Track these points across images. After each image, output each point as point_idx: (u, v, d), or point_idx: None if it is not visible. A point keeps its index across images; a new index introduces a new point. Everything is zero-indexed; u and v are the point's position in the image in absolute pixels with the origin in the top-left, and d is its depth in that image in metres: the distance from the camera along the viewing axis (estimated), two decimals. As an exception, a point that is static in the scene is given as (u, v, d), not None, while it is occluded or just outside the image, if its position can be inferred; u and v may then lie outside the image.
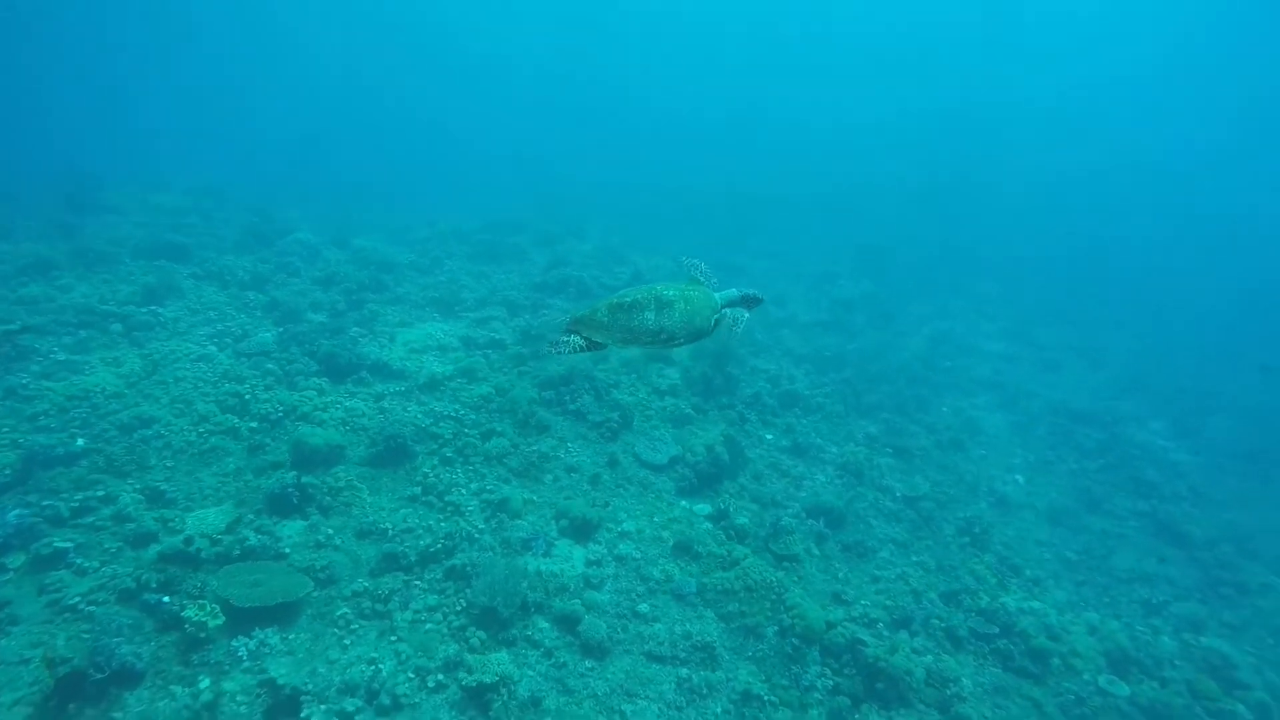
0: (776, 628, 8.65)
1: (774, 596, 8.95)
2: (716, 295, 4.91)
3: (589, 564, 9.05)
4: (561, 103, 74.47)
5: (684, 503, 10.69)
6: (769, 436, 12.94)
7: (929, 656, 8.74)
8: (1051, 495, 14.31)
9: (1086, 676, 9.38)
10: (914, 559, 10.79)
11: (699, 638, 8.33)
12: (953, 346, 20.96)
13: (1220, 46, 66.74)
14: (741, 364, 15.30)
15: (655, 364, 14.24)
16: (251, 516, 8.70)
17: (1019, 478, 14.74)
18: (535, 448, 11.00)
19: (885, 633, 9.13)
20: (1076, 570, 12.06)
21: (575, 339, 4.52)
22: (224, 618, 7.03)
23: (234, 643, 6.91)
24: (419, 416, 11.19)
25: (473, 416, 11.59)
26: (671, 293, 4.56)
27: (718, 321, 4.82)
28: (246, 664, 6.76)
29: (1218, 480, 16.28)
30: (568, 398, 12.32)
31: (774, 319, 19.88)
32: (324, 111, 58.40)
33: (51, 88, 52.28)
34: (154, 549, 7.74)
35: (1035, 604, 10.44)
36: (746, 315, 5.04)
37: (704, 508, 10.61)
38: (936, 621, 9.48)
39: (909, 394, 16.39)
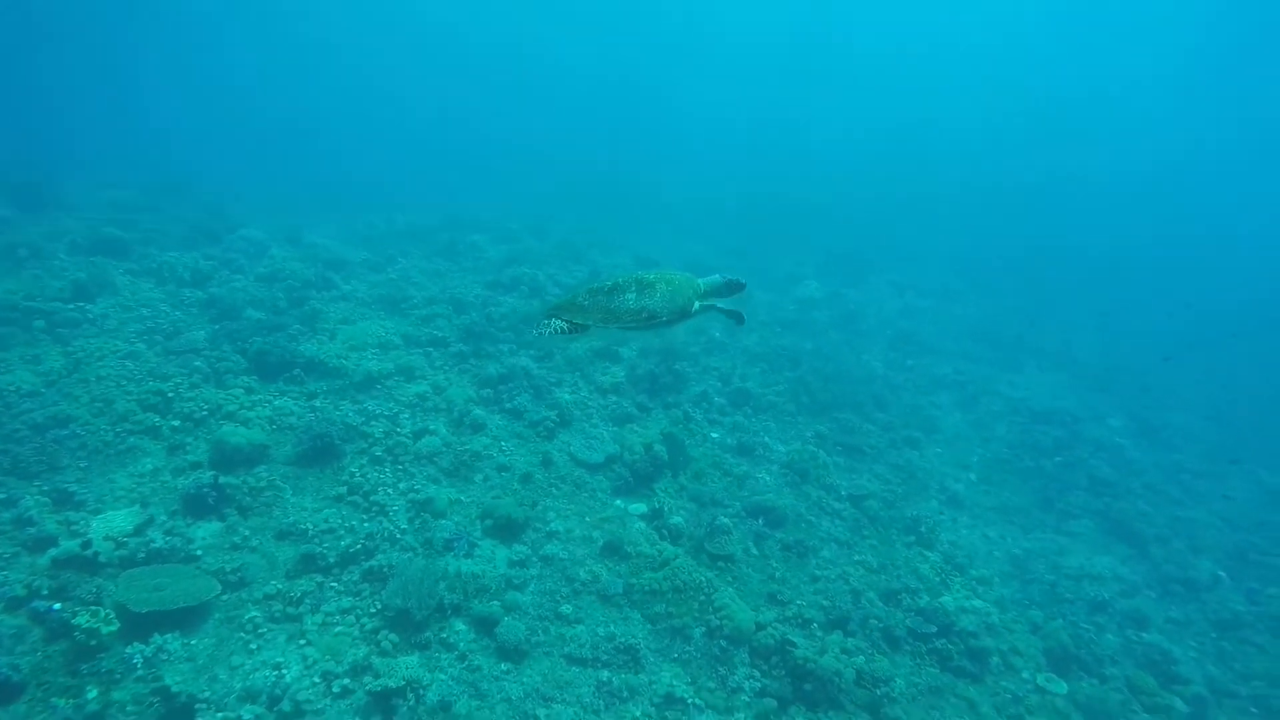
0: (704, 629, 8.51)
1: (703, 597, 8.81)
2: (700, 280, 4.97)
3: (512, 564, 8.88)
4: (537, 100, 74.19)
5: (619, 502, 10.54)
6: (714, 435, 12.81)
7: (860, 658, 8.61)
8: (1005, 493, 14.29)
9: (1025, 675, 9.33)
10: (856, 558, 10.69)
11: (623, 639, 8.17)
12: (915, 346, 20.93)
13: (1193, 58, 67.59)
14: (694, 362, 15.18)
15: (600, 361, 14.10)
16: (164, 518, 8.45)
17: (973, 475, 14.72)
18: (468, 447, 10.81)
19: (819, 633, 9.00)
20: (1024, 568, 12.01)
21: (557, 322, 4.65)
22: (119, 624, 6.78)
23: (129, 650, 6.65)
24: (351, 415, 10.97)
25: (407, 415, 11.40)
26: (652, 275, 4.70)
27: (703, 307, 4.91)
28: (140, 672, 6.51)
29: (1173, 477, 16.35)
30: (505, 396, 12.15)
31: (734, 318, 19.77)
32: (307, 105, 57.77)
33: (26, 78, 51.40)
34: (50, 554, 7.48)
35: (978, 603, 10.37)
36: (741, 313, 5.15)
37: (639, 507, 10.46)
38: (875, 621, 9.37)
39: (865, 393, 16.32)
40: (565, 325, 4.64)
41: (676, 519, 10.14)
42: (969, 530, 12.68)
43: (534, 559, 9.10)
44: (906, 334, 21.67)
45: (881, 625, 9.31)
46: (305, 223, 23.96)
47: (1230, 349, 26.79)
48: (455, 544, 8.87)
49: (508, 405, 12.02)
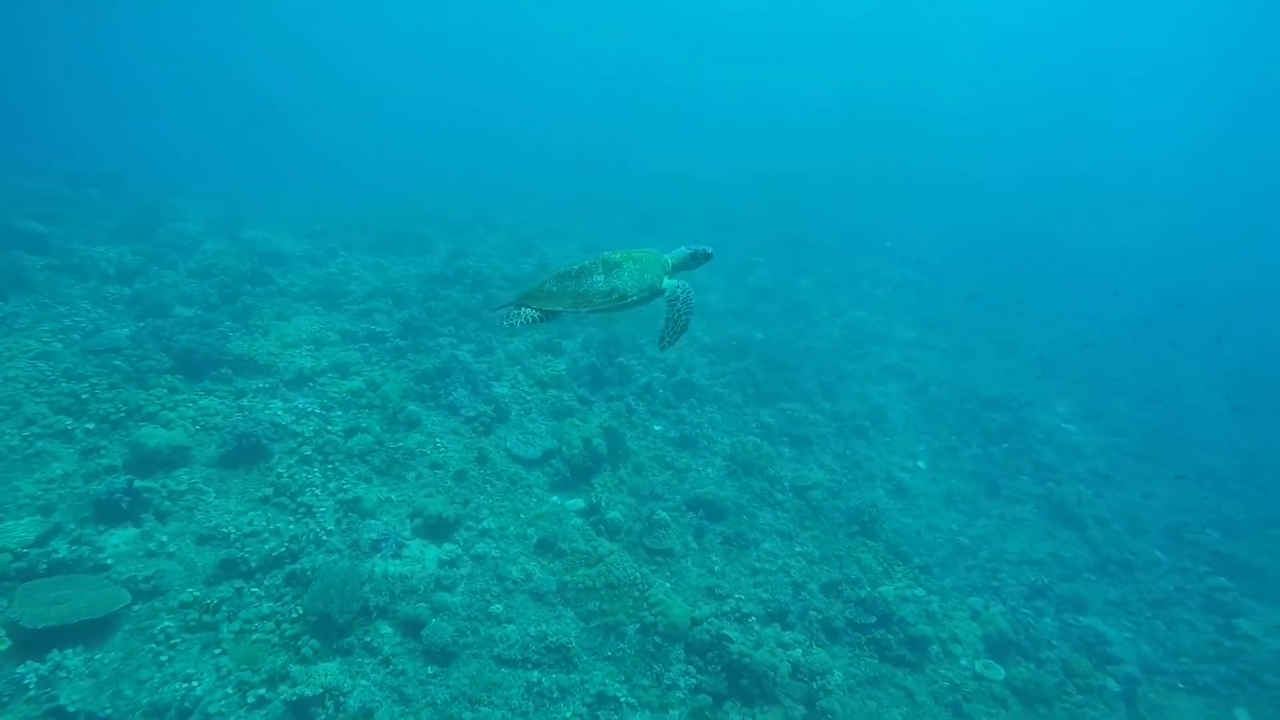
0: (638, 625, 8.41)
1: (637, 593, 8.72)
2: (666, 256, 4.93)
3: (442, 564, 8.69)
4: (504, 87, 73.27)
5: (555, 498, 10.39)
6: (657, 428, 12.72)
7: (798, 650, 8.58)
8: (952, 481, 14.42)
9: (964, 662, 9.40)
10: (798, 550, 10.68)
11: (555, 639, 8.04)
12: (866, 335, 21.06)
13: (1162, 53, 69.28)
14: (640, 354, 15.05)
15: (542, 355, 13.93)
16: (73, 526, 8.09)
17: (921, 464, 14.83)
18: (401, 444, 10.58)
19: (757, 627, 8.96)
20: (968, 555, 12.12)
21: (527, 311, 4.58)
22: (10, 642, 6.46)
23: (20, 669, 6.33)
24: (280, 413, 10.66)
25: (339, 413, 11.13)
26: (618, 255, 4.63)
27: (672, 286, 4.83)
28: (33, 692, 6.20)
29: (1116, 461, 16.66)
30: (442, 391, 11.91)
31: (686, 308, 19.68)
32: (265, 92, 56.21)
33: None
34: (-62, 569, 7.12)
35: (919, 591, 10.44)
36: (692, 298, 4.93)
37: (576, 503, 10.32)
38: (814, 613, 9.37)
39: (815, 382, 16.35)
40: (536, 314, 4.59)
41: (613, 514, 10.02)
42: (914, 519, 12.76)
43: (465, 558, 8.93)
44: (859, 323, 21.78)
45: (821, 617, 9.31)
46: (250, 215, 23.48)
47: (1178, 335, 27.43)
48: (383, 544, 8.66)
49: (444, 401, 11.79)
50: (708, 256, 5.11)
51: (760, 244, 29.84)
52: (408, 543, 8.87)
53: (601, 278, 4.54)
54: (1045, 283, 32.22)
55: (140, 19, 60.27)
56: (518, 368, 13.28)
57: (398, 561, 8.54)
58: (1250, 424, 20.05)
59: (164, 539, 8.22)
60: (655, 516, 10.05)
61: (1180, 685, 10.10)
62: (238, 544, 8.33)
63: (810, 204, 37.84)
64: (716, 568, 9.87)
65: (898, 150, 54.73)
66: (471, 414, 11.53)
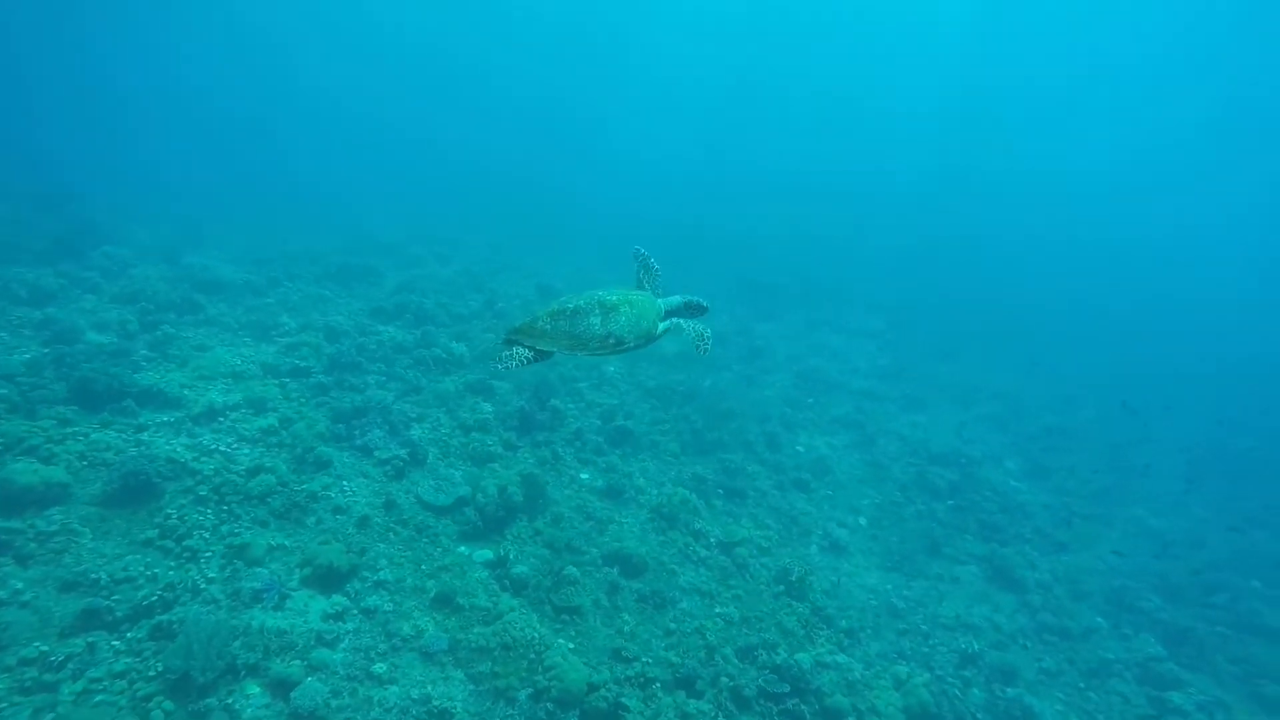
0: (531, 690, 7.96)
1: (533, 655, 8.28)
2: (660, 301, 4.93)
3: (327, 618, 8.20)
4: (468, 122, 73.77)
5: (463, 549, 9.96)
6: (584, 476, 12.35)
7: (699, 721, 8.17)
8: (893, 538, 14.14)
9: (879, 737, 9.00)
10: (718, 610, 10.29)
11: (438, 703, 7.57)
12: (819, 383, 20.91)
13: (1120, 84, 71.22)
14: (578, 398, 14.75)
15: (470, 397, 13.56)
16: (-85, 571, 7.55)
17: (863, 520, 14.55)
18: (306, 486, 10.12)
19: (660, 694, 8.53)
20: (901, 618, 11.79)
21: (520, 350, 4.45)
22: None
23: None
24: (181, 450, 10.17)
25: (246, 450, 10.65)
26: (614, 297, 4.55)
27: (665, 329, 4.86)
28: None
29: (1063, 521, 16.48)
30: (358, 432, 11.49)
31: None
32: (229, 114, 56.06)
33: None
34: None
35: (842, 658, 10.07)
36: (709, 333, 5.01)
37: (485, 554, 9.90)
38: (726, 680, 8.97)
39: (758, 432, 16.09)
40: (530, 353, 4.47)
41: (521, 568, 9.61)
42: (848, 578, 12.44)
43: (354, 611, 8.45)
44: (812, 371, 21.66)
45: (732, 684, 8.90)
46: (201, 239, 23.23)
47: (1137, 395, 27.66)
48: (265, 595, 8.17)
49: (358, 442, 11.36)
50: (703, 309, 5.14)
51: (721, 286, 29.83)
52: (293, 594, 8.38)
53: (598, 320, 4.46)
54: (1014, 338, 32.46)
55: (114, 40, 60.06)
56: (443, 409, 12.90)
57: (279, 614, 8.04)
58: (1200, 489, 20.04)
59: (20, 585, 7.67)
60: (564, 572, 9.64)
61: (1107, 764, 9.78)
62: (105, 591, 7.80)
63: (777, 247, 38.08)
64: (627, 628, 9.45)
65: (869, 201, 55.49)
66: (385, 456, 11.11)
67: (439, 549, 9.82)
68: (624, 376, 17.20)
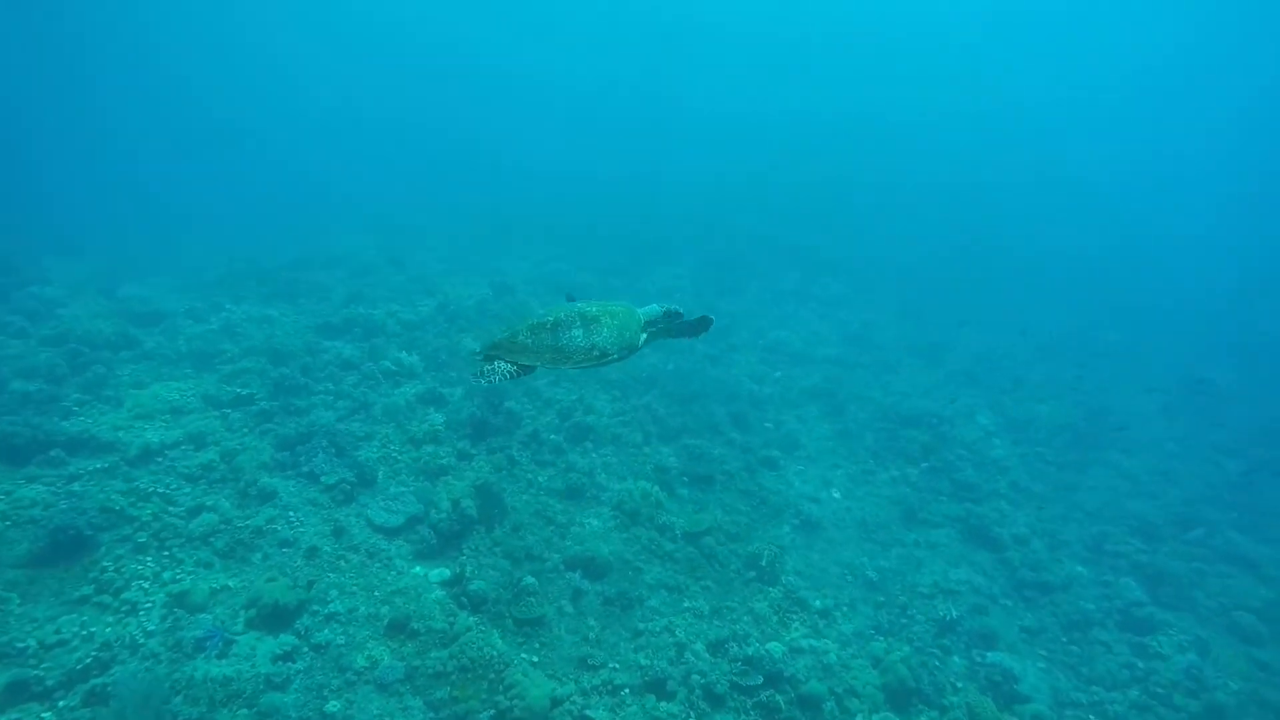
0: (493, 712, 7.73)
1: (493, 675, 8.05)
2: (639, 311, 4.88)
3: (276, 659, 7.91)
4: (420, 111, 72.56)
5: (418, 569, 9.67)
6: (542, 479, 12.06)
7: (669, 725, 7.98)
8: (867, 509, 14.02)
9: (859, 719, 8.86)
10: (686, 605, 10.09)
11: (397, 738, 7.33)
12: (786, 356, 20.73)
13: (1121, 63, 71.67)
14: (534, 397, 14.44)
15: (422, 408, 13.23)
16: None
17: (836, 493, 14.41)
18: (250, 522, 9.79)
19: (630, 700, 8.34)
20: (877, 591, 11.68)
21: (502, 365, 4.44)
22: None
23: None
24: (115, 497, 9.76)
25: (187, 490, 10.29)
26: (594, 309, 4.54)
27: (645, 339, 4.84)
28: None
29: (1039, 472, 16.48)
30: (303, 458, 11.14)
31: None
32: (171, 127, 54.65)
33: None
34: None
35: (816, 641, 9.92)
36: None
37: (441, 573, 9.62)
38: (697, 678, 8.77)
39: (724, 413, 15.88)
40: (513, 368, 4.46)
41: (478, 584, 9.35)
42: (822, 555, 12.30)
43: (304, 649, 8.16)
44: (779, 344, 21.45)
45: (704, 681, 8.71)
46: (142, 267, 22.54)
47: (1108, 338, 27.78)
48: (208, 643, 7.86)
49: (304, 468, 11.02)
50: (679, 316, 5.05)
51: (687, 265, 29.58)
52: (238, 638, 8.07)
53: (580, 332, 4.42)
54: (987, 292, 32.40)
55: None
56: (392, 424, 12.56)
57: (223, 661, 7.74)
58: (1173, 421, 20.15)
59: (-59, 663, 7.33)
60: (523, 583, 9.40)
61: (1092, 717, 9.72)
62: (35, 659, 7.46)
63: (743, 219, 37.65)
64: (593, 634, 9.23)
65: (839, 163, 55.01)
66: (332, 481, 10.78)
67: (392, 572, 9.54)
68: (582, 369, 16.86)
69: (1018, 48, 77.77)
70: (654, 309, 4.99)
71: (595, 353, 4.47)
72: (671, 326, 5.08)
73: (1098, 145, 71.26)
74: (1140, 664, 10.69)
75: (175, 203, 35.85)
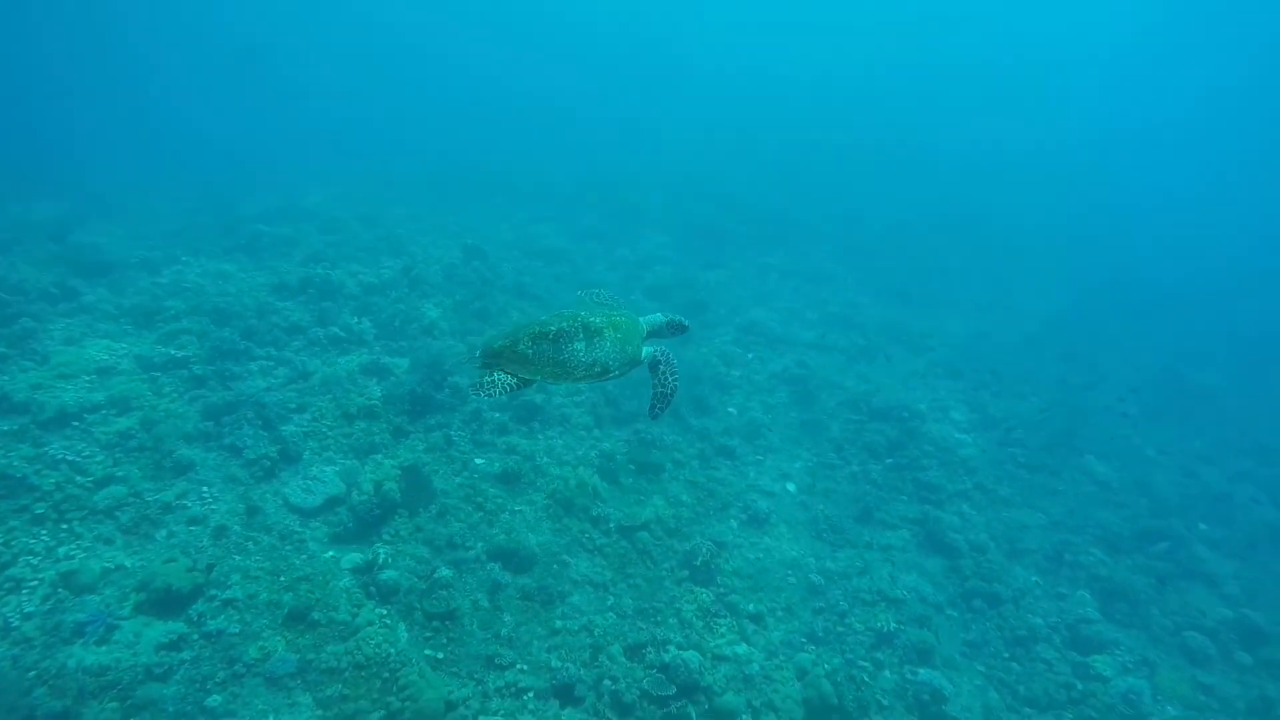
0: (383, 713, 7.51)
1: (387, 674, 7.83)
2: (642, 320, 4.84)
3: (162, 648, 7.67)
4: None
5: (331, 554, 9.42)
6: (479, 461, 11.77)
7: (569, 735, 7.77)
8: (822, 506, 13.73)
9: (774, 734, 8.66)
10: (610, 603, 9.86)
11: (279, 736, 7.12)
12: (761, 336, 20.31)
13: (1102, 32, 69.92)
14: (486, 372, 14.06)
15: (363, 379, 12.90)
16: None
17: (791, 486, 14.13)
18: (160, 496, 9.52)
19: (532, 704, 8.12)
20: (818, 596, 11.44)
21: (503, 378, 4.31)
22: None
23: None
24: (17, 463, 9.48)
25: (100, 459, 9.99)
26: (599, 319, 4.43)
27: (648, 354, 4.76)
28: None
29: (1008, 474, 16.16)
30: (228, 429, 10.84)
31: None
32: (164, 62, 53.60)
33: None
34: None
35: (742, 649, 9.68)
36: (675, 364, 4.84)
37: (354, 559, 9.36)
38: (608, 684, 8.56)
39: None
40: (515, 382, 4.35)
41: (389, 573, 9.10)
42: (766, 555, 12.04)
43: (194, 637, 7.93)
44: (756, 323, 21.01)
45: (614, 688, 8.49)
46: (106, 210, 22.13)
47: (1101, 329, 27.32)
48: (89, 628, 7.62)
49: (227, 441, 10.72)
50: (683, 327, 5.09)
51: (672, 233, 29.01)
52: (122, 624, 7.83)
53: (582, 346, 4.32)
54: (978, 269, 31.92)
55: None
56: (328, 397, 12.22)
57: (102, 649, 7.50)
58: (1154, 427, 19.81)
59: None
60: (437, 575, 9.15)
61: (1019, 742, 9.54)
62: (-105, 641, 7.24)
63: (732, 183, 36.92)
64: (505, 630, 8.99)
65: (832, 129, 53.91)
66: (254, 456, 10.49)
67: (303, 557, 9.29)
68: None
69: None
70: (658, 318, 4.99)
71: (596, 369, 4.40)
72: (671, 329, 5.09)
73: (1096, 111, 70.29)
74: (1079, 685, 10.47)
75: (177, 134, 35.24)
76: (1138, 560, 13.76)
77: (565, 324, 4.36)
